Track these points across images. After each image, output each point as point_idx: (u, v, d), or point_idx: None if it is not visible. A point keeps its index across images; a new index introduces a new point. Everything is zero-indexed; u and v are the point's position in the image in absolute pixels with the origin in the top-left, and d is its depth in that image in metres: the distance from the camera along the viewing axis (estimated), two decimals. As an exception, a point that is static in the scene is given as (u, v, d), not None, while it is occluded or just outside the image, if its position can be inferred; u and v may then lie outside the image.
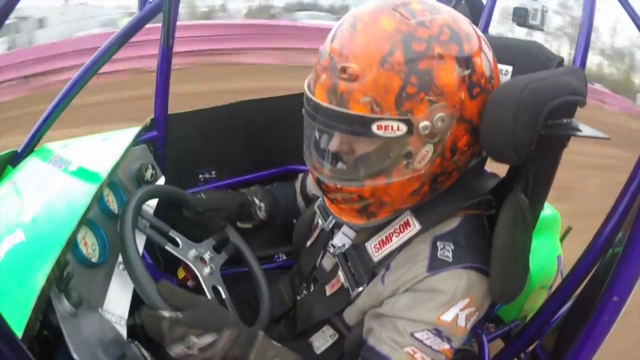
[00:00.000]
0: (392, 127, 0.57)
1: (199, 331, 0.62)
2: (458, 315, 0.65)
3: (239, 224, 1.07)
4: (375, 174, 0.63)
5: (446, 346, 0.66)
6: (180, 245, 0.89)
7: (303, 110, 0.66)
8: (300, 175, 1.12)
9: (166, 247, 0.87)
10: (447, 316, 0.65)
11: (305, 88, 0.65)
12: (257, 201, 1.05)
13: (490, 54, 0.65)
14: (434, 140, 0.60)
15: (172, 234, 0.90)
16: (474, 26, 0.66)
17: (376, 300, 0.72)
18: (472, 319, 0.68)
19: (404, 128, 0.57)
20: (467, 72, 0.59)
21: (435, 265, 0.66)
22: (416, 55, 0.56)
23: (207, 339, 0.62)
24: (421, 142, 0.60)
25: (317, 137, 0.69)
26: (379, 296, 0.71)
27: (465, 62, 0.59)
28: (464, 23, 0.63)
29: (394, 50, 0.56)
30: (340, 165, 0.67)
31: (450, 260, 0.66)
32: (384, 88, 0.56)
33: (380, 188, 0.64)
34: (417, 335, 0.65)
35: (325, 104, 0.60)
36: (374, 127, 0.57)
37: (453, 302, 0.65)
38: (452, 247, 0.67)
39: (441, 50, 0.57)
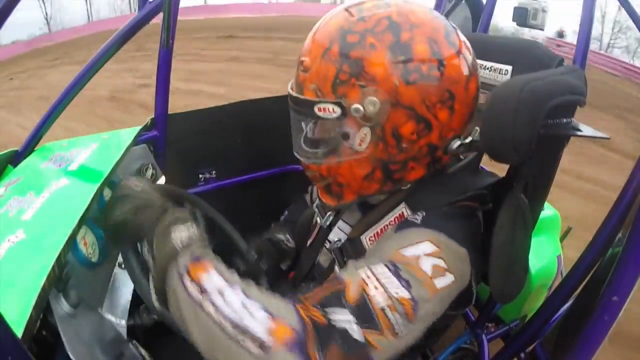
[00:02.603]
0: (328, 109, 0.65)
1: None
2: (421, 257, 0.58)
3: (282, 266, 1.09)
4: (327, 152, 0.70)
5: (405, 293, 0.55)
6: None
7: None
8: (310, 187, 1.12)
9: None
10: (408, 252, 0.59)
11: None
12: (282, 236, 1.08)
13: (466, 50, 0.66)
14: (370, 124, 0.65)
15: None
16: (450, 24, 0.66)
17: None
18: (442, 278, 0.58)
19: (338, 110, 0.65)
20: (400, 59, 0.62)
21: (403, 225, 0.66)
22: (349, 46, 0.63)
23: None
24: (356, 125, 0.66)
25: (292, 120, 0.74)
26: None
27: (401, 49, 0.62)
28: (416, 15, 0.64)
29: (333, 44, 0.64)
30: (307, 145, 0.73)
31: (419, 222, 0.65)
32: (324, 76, 0.65)
33: (333, 167, 0.70)
34: (373, 267, 0.58)
35: (292, 92, 0.69)
36: (316, 109, 0.65)
37: (416, 241, 0.61)
38: (424, 214, 0.66)
39: (374, 40, 0.62)
